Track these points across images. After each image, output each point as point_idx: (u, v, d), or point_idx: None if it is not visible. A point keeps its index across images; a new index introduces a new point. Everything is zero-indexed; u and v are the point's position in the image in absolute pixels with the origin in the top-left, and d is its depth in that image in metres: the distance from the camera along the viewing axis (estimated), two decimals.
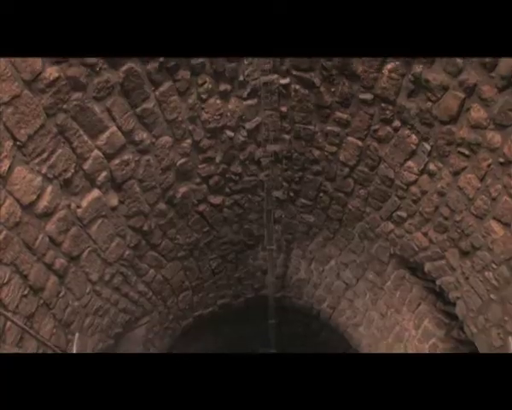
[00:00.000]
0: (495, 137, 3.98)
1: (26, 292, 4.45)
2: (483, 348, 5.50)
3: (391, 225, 6.17)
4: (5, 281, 4.09)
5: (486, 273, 4.88)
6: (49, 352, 5.11)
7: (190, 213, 6.44)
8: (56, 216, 4.55)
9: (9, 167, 3.72)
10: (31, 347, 4.72)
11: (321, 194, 6.53)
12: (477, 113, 3.99)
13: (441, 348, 7.02)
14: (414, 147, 4.82)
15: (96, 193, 4.94)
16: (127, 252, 6.02)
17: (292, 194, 6.73)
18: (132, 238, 5.94)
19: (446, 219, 5.10)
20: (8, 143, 3.63)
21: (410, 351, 7.81)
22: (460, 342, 6.89)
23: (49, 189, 4.31)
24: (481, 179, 4.34)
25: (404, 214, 5.76)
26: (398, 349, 8.18)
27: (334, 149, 5.62)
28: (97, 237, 5.32)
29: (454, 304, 5.92)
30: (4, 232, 3.91)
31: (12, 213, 3.93)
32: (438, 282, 6.03)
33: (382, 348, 8.77)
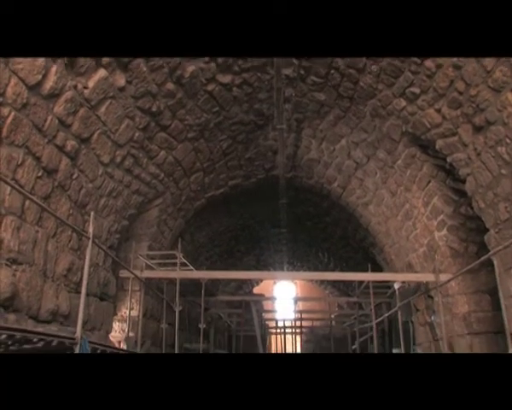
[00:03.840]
0: None
1: (40, 174, 4.54)
2: (490, 222, 5.61)
3: (403, 102, 6.06)
4: (19, 162, 4.16)
5: (499, 148, 4.84)
6: (68, 231, 5.30)
7: (199, 93, 6.33)
8: (63, 97, 4.51)
9: None
10: (50, 226, 4.90)
11: (332, 71, 6.34)
12: None
13: (449, 225, 7.17)
14: None
15: (102, 73, 4.84)
16: (137, 134, 6.02)
17: (302, 71, 6.54)
18: (141, 120, 5.91)
19: (461, 93, 4.98)
20: None
21: (418, 228, 8.00)
22: (467, 218, 7.03)
23: (54, 69, 4.23)
24: None
25: (417, 90, 5.63)
26: (407, 227, 8.39)
27: None
28: (106, 119, 5.30)
29: (464, 181, 5.95)
30: (13, 113, 3.90)
31: (18, 93, 3.90)
32: (449, 159, 6.02)
33: (391, 226, 8.99)
